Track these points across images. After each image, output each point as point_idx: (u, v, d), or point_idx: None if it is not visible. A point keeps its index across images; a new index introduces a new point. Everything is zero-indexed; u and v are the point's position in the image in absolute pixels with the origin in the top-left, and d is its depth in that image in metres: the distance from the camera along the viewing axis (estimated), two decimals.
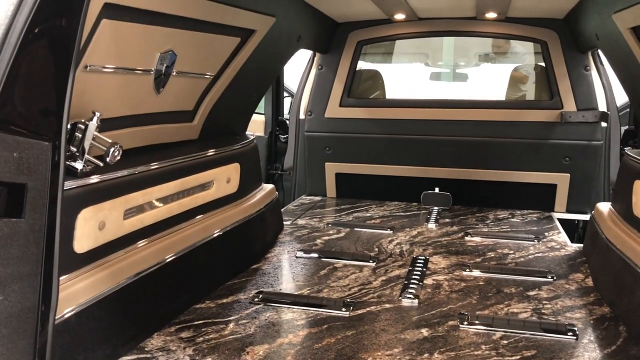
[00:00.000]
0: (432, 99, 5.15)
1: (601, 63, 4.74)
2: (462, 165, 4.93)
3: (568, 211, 4.84)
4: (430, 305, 2.80)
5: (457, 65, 6.20)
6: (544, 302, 2.85)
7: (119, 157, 2.08)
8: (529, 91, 5.10)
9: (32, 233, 1.72)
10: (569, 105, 4.63)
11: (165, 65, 2.57)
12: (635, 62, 2.90)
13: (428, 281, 3.13)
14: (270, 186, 3.90)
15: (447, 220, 4.53)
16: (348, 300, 2.82)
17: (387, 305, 2.79)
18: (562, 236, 4.09)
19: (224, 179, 3.17)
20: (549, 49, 4.63)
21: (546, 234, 4.15)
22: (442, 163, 4.96)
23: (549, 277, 3.19)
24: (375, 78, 5.49)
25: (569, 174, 4.73)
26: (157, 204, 2.55)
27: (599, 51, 4.65)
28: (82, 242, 2.08)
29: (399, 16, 4.62)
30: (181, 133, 3.02)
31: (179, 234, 2.70)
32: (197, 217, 2.90)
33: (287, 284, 3.07)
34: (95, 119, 2.02)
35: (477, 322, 2.58)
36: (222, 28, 2.95)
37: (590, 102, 4.60)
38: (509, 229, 4.29)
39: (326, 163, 5.20)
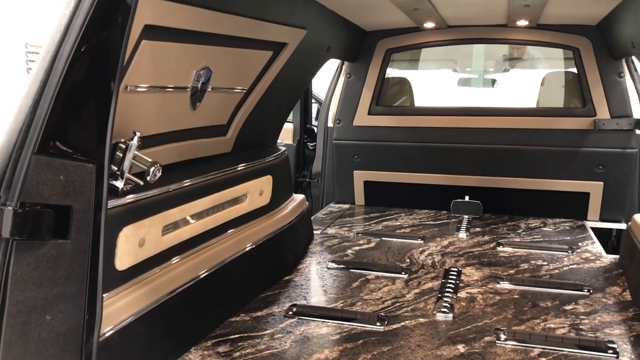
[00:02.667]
0: (461, 106, 5.11)
1: (635, 70, 4.65)
2: (492, 173, 4.89)
3: (601, 220, 4.76)
4: (465, 319, 2.78)
5: (486, 71, 6.15)
6: (582, 316, 2.81)
7: (159, 175, 2.11)
8: (562, 98, 5.03)
9: (77, 253, 1.76)
10: (603, 112, 4.55)
11: (201, 81, 2.60)
12: None
13: (462, 294, 3.11)
14: (300, 196, 3.91)
15: (478, 229, 4.49)
16: (382, 314, 2.81)
17: (422, 320, 2.78)
18: (597, 246, 4.02)
19: (257, 191, 3.19)
20: (581, 56, 4.57)
21: (580, 244, 4.09)
22: (471, 171, 4.93)
23: (585, 290, 3.14)
24: (403, 85, 5.47)
25: (602, 182, 4.65)
26: (193, 219, 2.58)
27: (633, 58, 4.57)
28: (123, 259, 2.11)
29: (429, 25, 4.60)
30: (215, 147, 3.05)
31: (213, 248, 2.73)
32: (231, 231, 2.93)
33: (320, 296, 3.08)
34: (135, 138, 2.06)
35: (514, 338, 2.55)
36: (255, 43, 2.97)
37: (625, 110, 4.52)
38: (541, 239, 4.23)
39: (355, 171, 5.20)
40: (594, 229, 4.56)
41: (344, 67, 5.30)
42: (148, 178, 2.07)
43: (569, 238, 4.25)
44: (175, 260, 2.46)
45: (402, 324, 2.73)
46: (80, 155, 1.74)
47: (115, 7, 1.72)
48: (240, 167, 3.00)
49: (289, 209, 3.59)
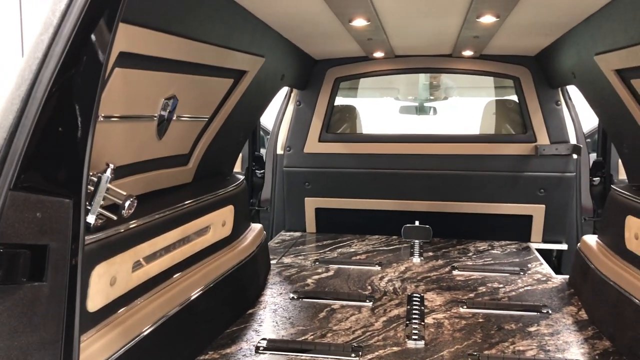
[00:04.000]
0: (409, 133, 5.22)
1: (569, 98, 4.94)
2: (440, 198, 5.00)
3: (544, 241, 4.96)
4: (437, 346, 2.79)
5: (427, 99, 6.34)
6: (546, 337, 2.89)
7: (133, 209, 2.00)
8: (504, 125, 5.25)
9: (53, 297, 1.63)
10: (543, 138, 4.79)
11: (168, 110, 2.51)
12: (618, 101, 3.02)
13: (429, 320, 3.12)
14: (258, 226, 3.84)
15: (430, 253, 4.56)
16: (355, 344, 2.77)
17: (395, 349, 2.76)
18: (545, 267, 4.18)
19: (220, 222, 3.10)
20: (521, 85, 4.80)
21: (529, 265, 4.23)
22: (420, 196, 5.02)
23: (544, 311, 3.24)
24: (351, 113, 5.54)
25: (544, 205, 4.86)
26: (161, 253, 2.46)
27: (567, 87, 4.86)
28: (95, 300, 1.98)
29: (378, 54, 4.69)
30: (177, 177, 2.94)
31: (180, 284, 2.61)
32: (196, 265, 2.82)
33: (288, 329, 3.00)
34: (109, 170, 1.94)
35: None
36: (218, 71, 2.92)
37: (563, 136, 4.77)
38: (492, 261, 4.35)
39: (306, 198, 5.18)
40: (538, 250, 4.75)
41: (292, 94, 5.31)
42: (123, 212, 1.95)
43: (517, 260, 4.40)
44: (144, 298, 2.33)
45: (377, 353, 2.70)
46: (58, 190, 1.62)
47: (96, 33, 1.63)
48: (205, 197, 2.91)
49: (249, 240, 3.50)
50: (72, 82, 1.59)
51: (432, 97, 6.31)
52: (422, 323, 3.07)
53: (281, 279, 3.85)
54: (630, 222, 2.86)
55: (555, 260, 5.04)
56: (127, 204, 1.95)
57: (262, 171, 5.49)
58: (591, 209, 4.96)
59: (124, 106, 2.18)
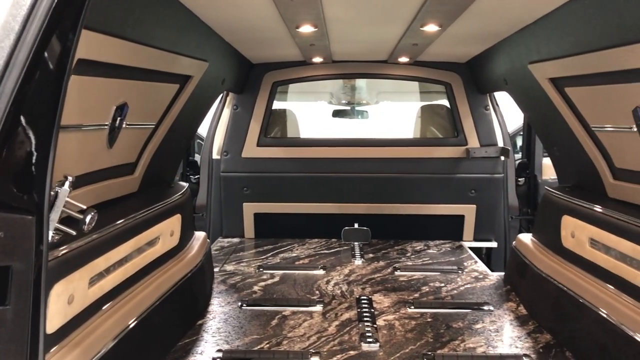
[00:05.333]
0: (347, 137, 5.29)
1: (497, 104, 5.19)
2: (377, 200, 5.11)
3: (474, 240, 5.18)
4: (392, 347, 2.85)
5: (359, 104, 6.45)
6: (493, 334, 3.02)
7: (94, 223, 1.90)
8: (437, 129, 5.43)
9: (16, 320, 1.53)
10: (473, 141, 5.00)
11: (119, 118, 2.41)
12: (551, 107, 3.21)
13: (380, 322, 3.18)
14: (202, 234, 3.75)
15: (371, 255, 4.64)
16: (312, 351, 2.78)
17: (352, 352, 2.79)
18: (481, 265, 4.37)
19: (169, 232, 3.00)
20: (453, 90, 4.99)
21: (465, 263, 4.41)
22: (358, 199, 5.10)
23: (487, 308, 3.39)
24: (289, 117, 5.54)
25: (475, 205, 5.08)
26: (115, 267, 2.35)
27: (495, 93, 5.10)
28: (54, 320, 1.86)
29: (317, 59, 4.72)
30: (124, 187, 2.82)
31: (134, 298, 2.51)
32: (148, 277, 2.72)
33: (243, 339, 2.96)
34: (67, 183, 1.83)
35: None
36: (166, 76, 2.84)
37: (492, 139, 5.00)
38: (430, 261, 4.49)
39: (244, 203, 5.12)
40: (469, 248, 4.96)
41: (228, 99, 5.24)
42: (84, 227, 1.85)
43: (454, 259, 4.57)
44: (100, 314, 2.22)
45: (335, 358, 2.72)
46: (20, 206, 1.52)
47: (61, 39, 1.55)
48: (154, 207, 2.81)
49: (196, 249, 3.42)
50: (35, 92, 1.50)
51: (364, 101, 6.42)
52: (374, 325, 3.12)
53: (227, 288, 3.78)
54: (566, 221, 3.05)
55: (485, 258, 5.28)
56: (88, 218, 1.85)
57: (196, 177, 5.37)
58: (517, 208, 5.24)
59: (77, 115, 2.07)
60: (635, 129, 2.42)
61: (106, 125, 2.34)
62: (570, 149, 3.24)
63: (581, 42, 2.64)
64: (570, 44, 2.76)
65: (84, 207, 1.88)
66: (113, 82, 2.26)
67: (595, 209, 2.81)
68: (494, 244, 5.17)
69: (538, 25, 3.02)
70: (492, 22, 3.16)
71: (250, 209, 5.13)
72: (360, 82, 6.12)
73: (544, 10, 2.78)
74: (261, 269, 4.18)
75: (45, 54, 1.50)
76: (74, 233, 1.89)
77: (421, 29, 3.29)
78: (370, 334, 2.98)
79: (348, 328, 3.09)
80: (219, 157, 5.17)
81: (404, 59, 4.73)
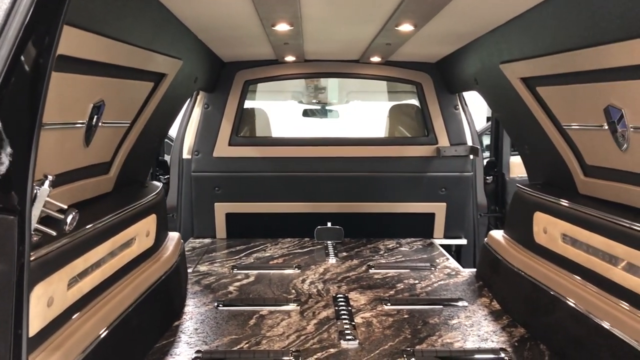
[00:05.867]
0: (319, 137, 5.30)
1: (465, 104, 5.28)
2: (350, 199, 5.13)
3: (445, 237, 5.26)
4: (372, 344, 2.87)
5: (329, 103, 6.47)
6: (468, 329, 3.07)
7: (75, 223, 1.86)
8: (407, 128, 5.49)
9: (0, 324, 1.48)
10: (443, 140, 5.08)
11: (95, 116, 2.35)
12: (522, 107, 3.29)
13: (358, 320, 3.20)
14: (176, 234, 3.70)
15: (344, 254, 4.66)
16: (293, 349, 2.78)
17: (332, 350, 2.80)
18: (452, 262, 4.44)
19: (144, 232, 2.95)
20: (423, 90, 5.05)
21: (437, 260, 4.47)
22: (331, 198, 5.12)
23: (460, 303, 3.45)
24: (261, 116, 5.52)
25: (445, 203, 5.16)
26: (93, 268, 2.30)
27: (463, 93, 5.19)
28: (33, 324, 1.81)
29: (289, 58, 4.72)
30: (99, 187, 2.76)
31: (112, 299, 2.46)
32: (125, 278, 2.67)
33: (222, 339, 2.93)
34: (47, 182, 1.78)
35: (422, 357, 2.70)
36: (141, 74, 2.79)
37: (461, 138, 5.09)
38: (403, 258, 4.54)
39: (215, 203, 5.08)
40: (440, 245, 5.04)
41: (199, 97, 5.18)
42: (66, 227, 1.81)
43: (425, 256, 4.63)
44: (79, 316, 2.17)
45: (316, 356, 2.72)
46: (1, 206, 1.48)
47: (43, 35, 1.51)
48: (131, 207, 2.76)
49: (171, 249, 3.37)
50: (18, 89, 1.46)
51: (334, 101, 6.45)
52: (352, 323, 3.13)
53: (201, 288, 3.74)
54: (539, 217, 3.13)
55: (454, 254, 5.36)
56: (69, 218, 1.81)
57: (166, 177, 5.30)
58: (485, 206, 5.34)
59: (54, 113, 2.02)
60: (607, 127, 2.50)
61: (83, 123, 2.29)
62: (541, 147, 3.33)
63: (553, 43, 2.71)
64: (542, 45, 2.83)
65: (65, 206, 1.83)
66: (91, 80, 2.21)
67: (567, 205, 2.89)
68: (463, 241, 5.26)
69: (510, 26, 3.09)
70: (464, 22, 3.22)
71: (221, 209, 5.09)
72: (330, 82, 6.15)
73: (516, 11, 2.85)
74: (235, 269, 4.15)
75: (27, 51, 1.46)
76: (54, 233, 1.84)
77: (396, 28, 3.32)
78: (349, 332, 2.99)
79: (326, 326, 3.10)
80: (189, 156, 5.11)
81: (375, 59, 4.76)
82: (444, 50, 4.39)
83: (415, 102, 5.45)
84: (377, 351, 2.79)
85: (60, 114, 2.06)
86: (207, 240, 5.08)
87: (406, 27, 3.29)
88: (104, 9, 2.10)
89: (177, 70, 3.31)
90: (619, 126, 2.38)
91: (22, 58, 1.45)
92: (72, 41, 1.91)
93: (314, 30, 3.53)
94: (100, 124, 2.47)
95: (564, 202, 2.93)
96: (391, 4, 2.80)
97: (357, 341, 2.89)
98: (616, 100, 2.34)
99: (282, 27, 3.29)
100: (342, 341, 2.89)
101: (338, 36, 3.77)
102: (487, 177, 5.44)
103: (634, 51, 2.06)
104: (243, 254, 4.62)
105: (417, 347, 2.83)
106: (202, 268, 4.21)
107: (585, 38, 2.40)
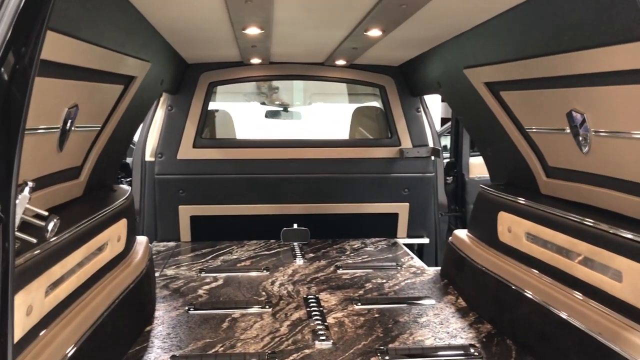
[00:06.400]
0: (284, 139, 5.32)
1: (426, 106, 5.40)
2: (315, 200, 5.18)
3: (408, 236, 5.38)
4: (346, 344, 2.92)
5: (292, 105, 6.50)
6: (438, 326, 3.16)
7: (57, 230, 1.83)
8: (371, 130, 5.58)
9: None
10: (406, 142, 5.18)
11: (70, 120, 2.32)
12: (486, 110, 3.40)
13: (330, 320, 3.24)
14: (144, 238, 3.65)
15: (311, 255, 4.70)
16: (268, 352, 2.80)
17: (307, 351, 2.83)
18: (417, 261, 4.55)
19: (116, 237, 2.92)
20: (387, 93, 5.15)
21: (402, 260, 4.57)
22: (296, 199, 5.15)
23: (428, 301, 3.54)
24: (225, 118, 5.50)
25: (408, 203, 5.27)
26: (68, 275, 2.27)
27: (425, 96, 5.31)
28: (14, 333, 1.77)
29: (255, 60, 4.72)
30: (70, 192, 2.71)
31: (87, 306, 2.42)
32: (98, 284, 2.63)
33: (195, 343, 2.92)
34: (27, 189, 1.76)
35: (396, 355, 2.77)
36: (112, 77, 2.76)
37: (423, 140, 5.21)
38: (369, 258, 4.62)
39: (180, 206, 5.03)
40: (404, 245, 5.15)
41: (162, 99, 5.12)
42: (47, 234, 1.78)
43: (391, 255, 4.72)
44: (56, 324, 2.13)
45: (291, 357, 2.75)
46: None
47: (29, 39, 1.50)
48: (103, 212, 2.72)
49: (140, 254, 3.33)
50: (4, 92, 1.44)
51: (297, 103, 6.48)
52: (325, 323, 3.18)
53: (170, 292, 3.71)
54: (503, 217, 3.25)
55: (417, 253, 5.48)
56: (51, 224, 1.78)
57: (128, 179, 5.22)
58: (446, 205, 5.49)
59: (30, 118, 1.98)
60: (569, 131, 2.62)
61: (58, 128, 2.25)
62: (504, 149, 3.45)
63: (517, 49, 2.83)
64: (507, 51, 2.94)
65: (46, 213, 1.80)
66: (66, 83, 2.18)
67: (531, 205, 3.01)
68: (425, 240, 5.38)
69: (475, 32, 3.19)
70: (431, 27, 3.31)
71: (186, 212, 5.05)
72: (293, 84, 6.18)
73: (482, 18, 2.95)
74: (203, 272, 4.13)
75: (11, 57, 1.45)
76: (35, 241, 1.82)
77: (365, 33, 3.38)
78: (322, 332, 3.03)
79: (300, 327, 3.13)
80: (152, 159, 5.05)
81: (340, 62, 4.82)
82: (408, 54, 4.49)
83: (377, 104, 5.55)
84: (352, 350, 2.84)
85: (36, 119, 2.03)
86: (171, 244, 5.03)
87: (375, 33, 3.36)
88: (79, 12, 2.07)
89: (146, 73, 3.28)
90: (581, 130, 2.51)
91: (6, 64, 1.44)
92: (49, 45, 1.88)
93: (283, 33, 3.55)
94: (73, 128, 2.43)
95: (528, 202, 3.05)
96: (363, 9, 2.85)
97: (331, 341, 2.94)
98: (579, 106, 2.47)
99: (253, 30, 3.30)
100: (316, 342, 2.93)
101: (306, 40, 3.81)
102: (447, 178, 5.59)
103: (597, 59, 2.18)
104: (209, 257, 4.60)
105: (390, 345, 2.90)
106: (169, 272, 4.17)
107: (548, 46, 2.52)
